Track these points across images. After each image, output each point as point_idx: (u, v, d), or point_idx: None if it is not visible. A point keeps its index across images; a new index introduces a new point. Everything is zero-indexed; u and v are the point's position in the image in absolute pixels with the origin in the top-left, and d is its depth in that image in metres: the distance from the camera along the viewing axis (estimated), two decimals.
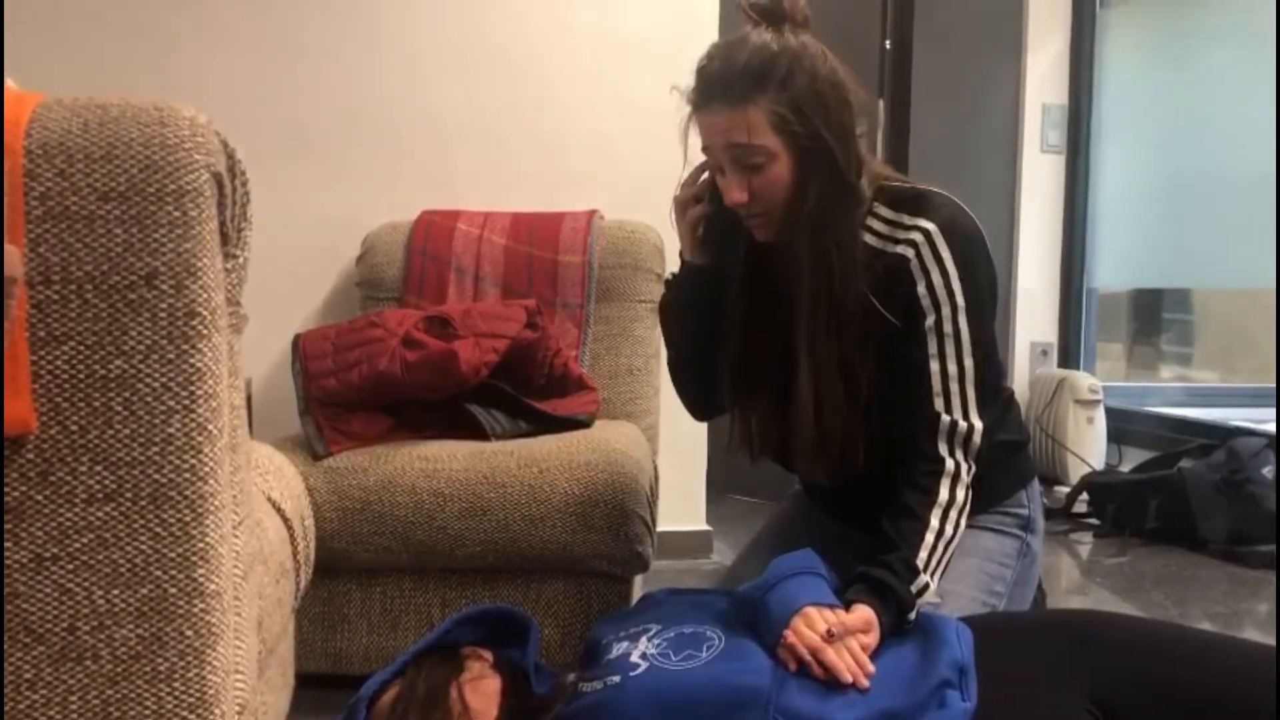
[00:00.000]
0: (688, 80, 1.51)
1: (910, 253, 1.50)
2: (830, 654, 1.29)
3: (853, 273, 1.51)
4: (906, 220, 1.52)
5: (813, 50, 1.48)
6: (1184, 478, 3.14)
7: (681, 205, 1.63)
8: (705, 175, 1.60)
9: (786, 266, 1.55)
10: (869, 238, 1.54)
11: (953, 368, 1.50)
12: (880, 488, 1.55)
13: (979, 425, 1.50)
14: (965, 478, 1.49)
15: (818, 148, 1.47)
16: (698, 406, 1.78)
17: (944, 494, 1.48)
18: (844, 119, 1.48)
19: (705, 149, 1.53)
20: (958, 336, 1.50)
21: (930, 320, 1.50)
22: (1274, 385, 3.49)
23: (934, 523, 1.46)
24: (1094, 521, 3.41)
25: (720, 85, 1.47)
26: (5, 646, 0.95)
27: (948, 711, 1.24)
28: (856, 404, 1.55)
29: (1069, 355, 4.16)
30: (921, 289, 1.50)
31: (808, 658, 1.29)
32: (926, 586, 1.42)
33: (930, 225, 1.50)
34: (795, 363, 1.56)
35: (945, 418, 1.49)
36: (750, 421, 1.70)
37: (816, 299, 1.52)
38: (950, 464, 1.49)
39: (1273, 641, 1.38)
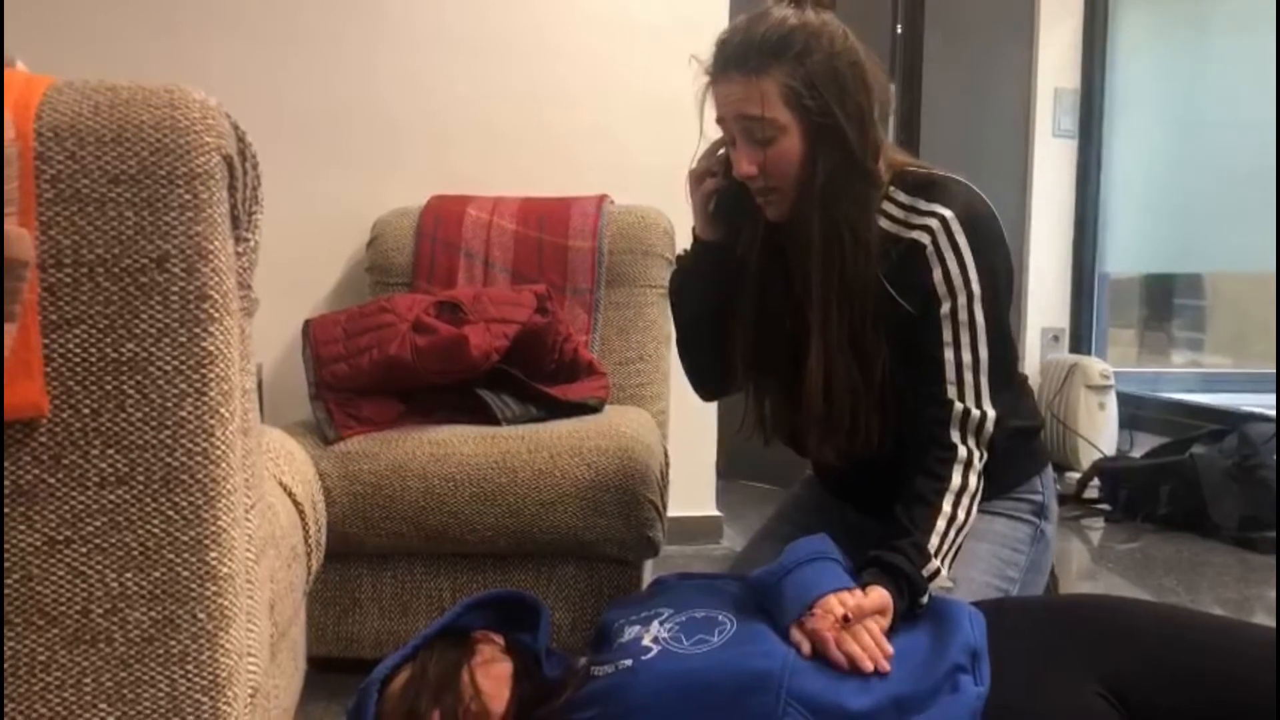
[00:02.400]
0: (706, 51, 1.51)
1: (926, 239, 1.50)
2: (851, 643, 1.29)
3: (865, 253, 1.50)
4: (922, 206, 1.51)
5: (833, 29, 1.48)
6: (1196, 463, 3.13)
7: (696, 178, 1.63)
8: (722, 150, 1.60)
9: (797, 245, 1.54)
10: (885, 222, 1.53)
11: (967, 356, 1.50)
12: (892, 472, 1.54)
13: (991, 414, 1.49)
14: (978, 464, 1.49)
15: (830, 125, 1.46)
16: (704, 385, 1.77)
17: (956, 480, 1.47)
18: (860, 99, 1.48)
19: (719, 119, 1.53)
20: (972, 325, 1.49)
21: (945, 308, 1.50)
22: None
23: (946, 508, 1.45)
24: (1105, 507, 3.40)
25: (736, 56, 1.47)
26: (20, 629, 0.96)
27: (960, 696, 1.24)
28: (870, 384, 1.55)
29: (1080, 341, 4.14)
30: (937, 276, 1.49)
31: (832, 648, 1.29)
32: (938, 571, 1.42)
33: (947, 212, 1.50)
34: (807, 341, 1.56)
35: (958, 405, 1.49)
36: (764, 402, 1.69)
37: (828, 277, 1.52)
38: (963, 451, 1.48)
39: None
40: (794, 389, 1.61)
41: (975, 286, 1.49)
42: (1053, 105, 4.05)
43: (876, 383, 1.55)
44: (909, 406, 1.55)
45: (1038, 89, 4.04)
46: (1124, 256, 4.13)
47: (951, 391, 1.50)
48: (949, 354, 1.50)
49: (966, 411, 1.49)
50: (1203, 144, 3.81)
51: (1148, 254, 4.14)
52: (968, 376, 1.50)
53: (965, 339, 1.50)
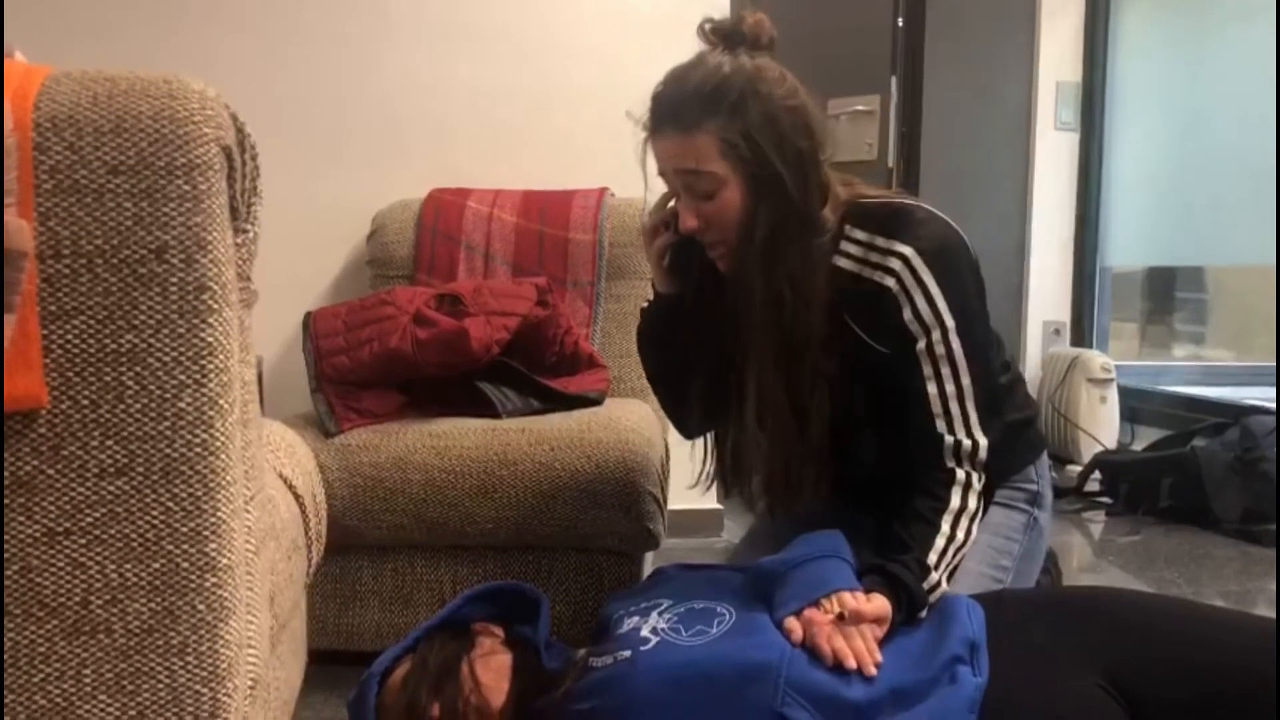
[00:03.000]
0: (643, 107, 1.49)
1: (891, 281, 1.48)
2: (841, 640, 1.29)
3: (806, 307, 1.49)
4: (881, 243, 1.49)
5: (769, 75, 1.45)
6: (1197, 456, 3.12)
7: (649, 233, 1.62)
8: (672, 203, 1.58)
9: (740, 299, 1.53)
10: (843, 261, 1.51)
11: (950, 388, 1.49)
12: (880, 480, 1.54)
13: (983, 441, 1.49)
14: (976, 485, 1.48)
15: (768, 175, 1.44)
16: (682, 429, 1.77)
17: (956, 501, 1.47)
18: (799, 145, 1.45)
19: (660, 174, 1.52)
20: (951, 356, 1.48)
21: (921, 344, 1.48)
22: None
23: (945, 528, 1.45)
24: (1106, 500, 3.40)
25: (671, 110, 1.45)
26: (20, 620, 0.96)
27: (959, 687, 1.24)
28: (807, 440, 1.54)
29: (1082, 334, 4.14)
30: (908, 315, 1.48)
31: (822, 639, 1.29)
32: (938, 585, 1.42)
33: (906, 250, 1.47)
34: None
35: (949, 438, 1.48)
36: (725, 453, 1.69)
37: (766, 331, 1.51)
38: (961, 474, 1.48)
39: None
40: (744, 440, 1.61)
41: (948, 319, 1.47)
42: (1054, 98, 4.04)
43: (814, 438, 1.54)
44: (860, 449, 1.56)
45: (1039, 82, 4.03)
46: (1126, 250, 4.12)
47: (940, 425, 1.49)
48: (932, 388, 1.49)
49: (958, 443, 1.48)
50: (1205, 137, 3.80)
51: (1149, 247, 4.13)
52: (954, 407, 1.49)
53: (946, 371, 1.48)
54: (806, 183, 1.47)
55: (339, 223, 2.71)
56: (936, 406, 1.49)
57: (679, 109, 1.44)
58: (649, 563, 2.06)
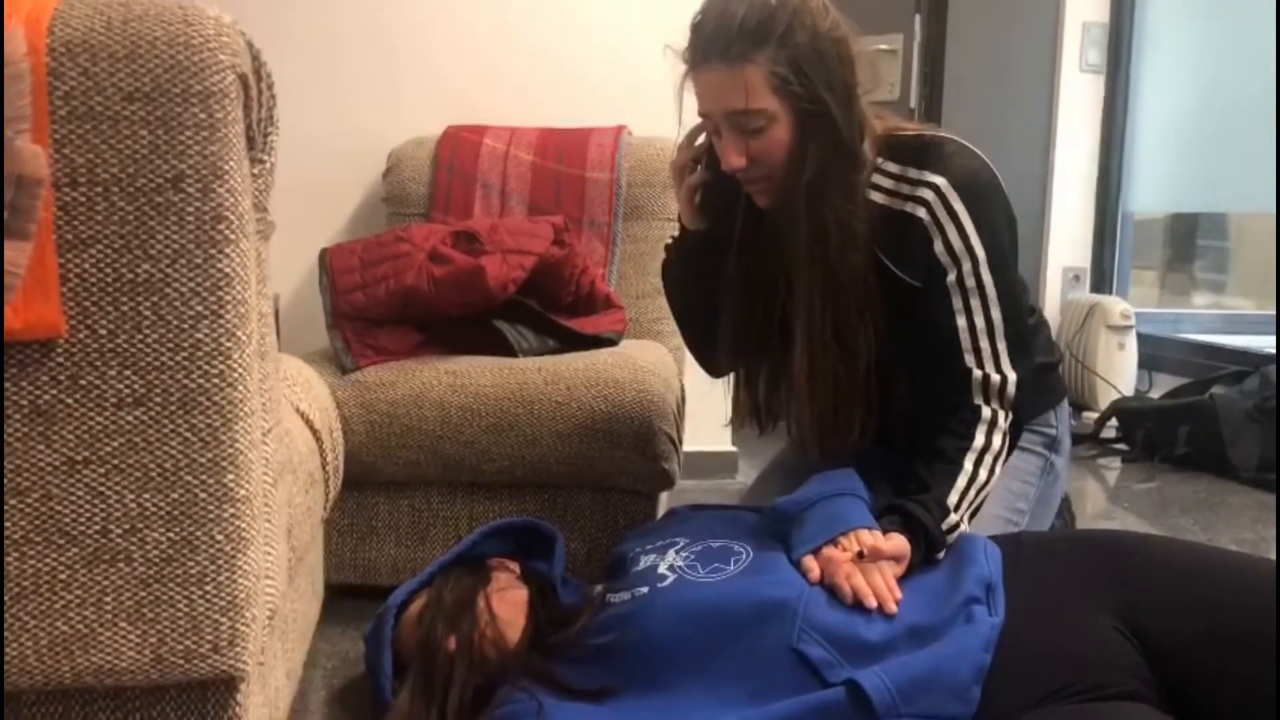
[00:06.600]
0: (681, 39, 1.45)
1: (922, 211, 1.46)
2: (860, 578, 1.29)
3: (852, 245, 1.47)
4: (913, 174, 1.47)
5: (813, 4, 1.42)
6: (1215, 404, 3.10)
7: (679, 170, 1.58)
8: (702, 138, 1.55)
9: (783, 237, 1.51)
10: (876, 195, 1.49)
11: (980, 321, 1.47)
12: (908, 416, 1.54)
13: (1012, 376, 1.47)
14: (1002, 424, 1.47)
15: (818, 110, 1.42)
16: (710, 367, 1.76)
17: (980, 439, 1.46)
18: (846, 78, 1.43)
19: (702, 111, 1.48)
20: (981, 290, 1.47)
21: (951, 276, 1.47)
22: None
23: (968, 466, 1.44)
24: (1122, 447, 3.39)
25: (717, 43, 1.41)
26: (40, 548, 0.97)
27: (975, 626, 1.24)
28: (854, 378, 1.53)
29: (1102, 281, 4.11)
30: (939, 247, 1.46)
31: (841, 578, 1.29)
32: (957, 526, 1.41)
33: (939, 180, 1.46)
34: (793, 331, 1.54)
35: (977, 372, 1.47)
36: (756, 389, 1.68)
37: (813, 269, 1.49)
38: (987, 411, 1.47)
39: None
40: (780, 376, 1.60)
41: (979, 251, 1.46)
42: (1080, 39, 3.97)
43: (861, 376, 1.53)
44: (901, 388, 1.54)
45: (1065, 23, 3.96)
46: (1148, 195, 4.07)
47: (970, 360, 1.48)
48: (961, 321, 1.47)
49: (986, 377, 1.47)
50: (1231, 82, 3.73)
51: (1173, 193, 4.08)
52: (984, 343, 1.47)
53: (976, 304, 1.47)
54: (852, 116, 1.44)
55: (354, 159, 2.68)
56: (966, 341, 1.47)
57: (725, 40, 1.40)
58: (664, 502, 2.07)
